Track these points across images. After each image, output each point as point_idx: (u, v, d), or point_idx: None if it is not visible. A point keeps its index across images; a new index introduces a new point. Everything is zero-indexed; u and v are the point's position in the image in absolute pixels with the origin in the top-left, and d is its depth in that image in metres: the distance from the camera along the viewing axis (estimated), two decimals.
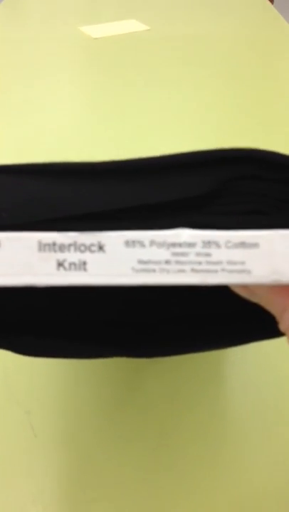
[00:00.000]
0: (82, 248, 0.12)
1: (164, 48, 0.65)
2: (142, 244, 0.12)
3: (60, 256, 0.12)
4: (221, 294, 0.14)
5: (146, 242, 0.12)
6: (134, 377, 0.25)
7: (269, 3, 0.84)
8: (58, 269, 0.12)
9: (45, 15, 0.80)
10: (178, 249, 0.12)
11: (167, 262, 0.12)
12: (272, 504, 0.20)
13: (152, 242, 0.12)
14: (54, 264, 0.12)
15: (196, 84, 0.56)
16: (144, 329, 0.15)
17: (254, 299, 0.13)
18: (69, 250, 0.12)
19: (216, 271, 0.12)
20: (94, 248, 0.12)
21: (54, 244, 0.12)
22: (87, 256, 0.12)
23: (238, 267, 0.11)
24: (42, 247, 0.12)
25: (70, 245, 0.12)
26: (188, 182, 0.13)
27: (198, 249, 0.12)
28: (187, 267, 0.12)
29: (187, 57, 0.63)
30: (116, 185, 0.13)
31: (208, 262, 0.12)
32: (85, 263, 0.12)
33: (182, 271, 0.12)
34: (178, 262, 0.12)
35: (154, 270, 0.12)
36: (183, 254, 0.12)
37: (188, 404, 0.24)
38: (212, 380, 0.25)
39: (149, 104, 0.52)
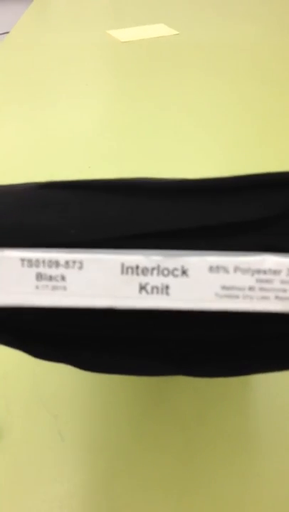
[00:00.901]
0: (166, 272, 0.12)
1: (192, 53, 0.65)
2: (226, 269, 0.12)
3: (143, 279, 0.12)
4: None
5: (231, 268, 0.12)
6: (163, 387, 0.25)
7: None
8: (140, 292, 0.12)
9: (73, 18, 0.80)
10: (262, 276, 0.12)
11: (251, 288, 0.12)
12: None
13: (236, 268, 0.12)
14: (136, 288, 0.12)
15: (226, 91, 0.55)
16: (206, 348, 0.15)
17: None
18: (152, 274, 0.12)
19: None
20: (177, 272, 0.12)
21: (137, 267, 0.12)
22: (170, 280, 0.12)
23: None
24: (125, 269, 0.12)
25: (153, 269, 0.12)
26: (263, 202, 0.13)
27: (283, 276, 0.12)
28: (271, 294, 0.12)
29: (216, 63, 0.62)
30: (195, 203, 0.13)
31: None
32: (167, 287, 0.12)
33: (266, 298, 0.12)
34: (262, 289, 0.12)
35: (237, 296, 0.12)
36: (267, 281, 0.12)
37: (215, 417, 0.23)
38: (240, 393, 0.24)
39: (176, 110, 0.52)
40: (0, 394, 0.24)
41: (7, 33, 0.73)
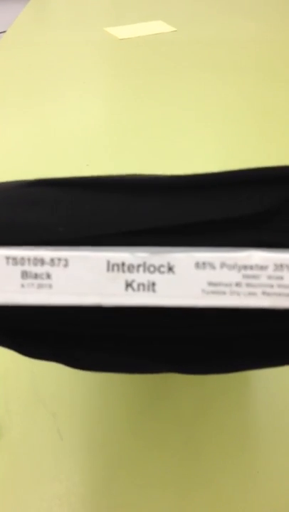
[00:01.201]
0: (152, 269, 0.12)
1: (190, 49, 0.65)
2: (212, 266, 0.11)
3: (129, 276, 0.12)
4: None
5: (217, 264, 0.11)
6: (163, 385, 0.25)
7: None
8: (126, 289, 0.12)
9: (70, 16, 0.80)
10: (249, 272, 0.11)
11: (238, 284, 0.11)
12: None
13: (223, 264, 0.11)
14: (122, 285, 0.12)
15: (224, 88, 0.55)
16: (195, 345, 0.15)
17: None
18: (138, 271, 0.12)
19: (287, 294, 0.11)
20: (163, 269, 0.12)
21: (123, 264, 0.12)
22: (156, 277, 0.12)
23: None
24: (110, 266, 0.12)
25: (139, 266, 0.12)
26: (251, 198, 0.13)
27: (270, 272, 0.11)
28: (258, 290, 0.11)
29: (215, 59, 0.62)
30: (181, 200, 0.13)
31: (280, 285, 0.11)
32: (154, 284, 0.12)
33: (253, 294, 0.11)
34: (249, 285, 0.11)
35: (224, 292, 0.11)
36: (254, 276, 0.11)
37: (215, 413, 0.23)
38: (240, 389, 0.24)
39: (174, 107, 0.51)
40: None
41: (4, 32, 0.73)
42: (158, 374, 0.25)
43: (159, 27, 0.73)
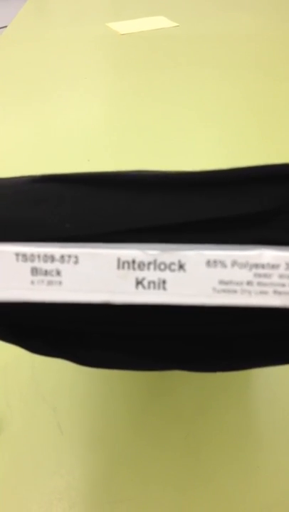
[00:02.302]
0: (162, 267, 0.11)
1: (192, 45, 0.65)
2: (223, 264, 0.11)
3: (139, 274, 0.11)
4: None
5: (228, 262, 0.11)
6: (164, 380, 0.25)
7: None
8: (136, 287, 0.11)
9: (72, 11, 0.79)
10: (260, 271, 0.11)
11: (249, 283, 0.11)
12: None
13: (234, 263, 0.11)
14: (133, 282, 0.11)
15: (226, 83, 0.55)
16: (204, 343, 0.15)
17: None
18: (148, 268, 0.11)
19: None
20: (174, 267, 0.11)
21: (133, 262, 0.11)
22: (167, 275, 0.11)
23: None
24: (121, 264, 0.11)
25: (149, 263, 0.11)
26: (261, 196, 0.13)
27: (282, 270, 0.11)
28: (269, 289, 0.11)
29: (216, 54, 0.62)
30: (191, 197, 0.13)
31: None
32: (164, 282, 0.11)
33: (264, 292, 0.11)
34: (260, 284, 0.11)
35: (235, 291, 0.11)
36: (266, 275, 0.11)
37: (216, 410, 0.23)
38: (241, 386, 0.24)
39: (176, 102, 0.51)
40: None
41: (5, 27, 0.73)
42: (161, 371, 0.25)
43: (160, 22, 0.73)
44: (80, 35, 0.69)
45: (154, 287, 0.11)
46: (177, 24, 0.72)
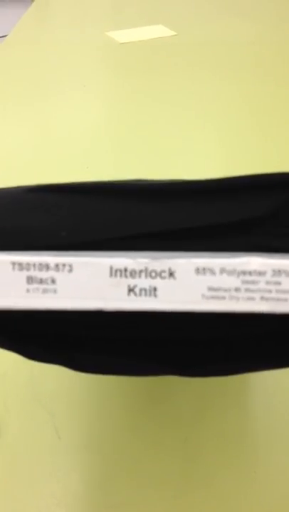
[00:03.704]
0: (153, 274, 0.12)
1: (191, 53, 0.65)
2: (212, 271, 0.12)
3: (131, 282, 0.12)
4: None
5: (217, 270, 0.12)
6: (161, 384, 0.25)
7: None
8: (128, 294, 0.12)
9: (71, 20, 0.80)
10: (248, 277, 0.12)
11: (237, 289, 0.12)
12: None
13: (223, 270, 0.12)
14: (125, 290, 0.12)
15: (225, 92, 0.55)
16: (195, 348, 0.15)
17: None
18: (140, 276, 0.12)
19: (285, 299, 0.12)
20: (164, 275, 0.12)
21: (125, 270, 0.12)
22: (157, 282, 0.12)
23: None
24: (113, 272, 0.12)
25: (141, 271, 0.12)
26: (250, 203, 0.13)
27: (268, 277, 0.12)
28: (257, 295, 0.12)
29: (215, 63, 0.63)
30: (181, 205, 0.13)
31: (278, 291, 0.12)
32: (155, 289, 0.12)
33: (252, 299, 0.12)
34: (247, 290, 0.12)
35: (223, 297, 0.12)
36: (253, 282, 0.12)
37: (214, 414, 0.24)
38: (239, 390, 0.25)
39: (176, 111, 0.52)
40: None
41: (5, 36, 0.74)
42: (157, 376, 0.25)
43: (159, 31, 0.73)
44: (79, 43, 0.70)
45: (146, 294, 0.12)
46: (176, 33, 0.73)
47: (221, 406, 0.24)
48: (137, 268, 0.12)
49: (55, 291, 0.12)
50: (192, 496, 0.21)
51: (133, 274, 0.12)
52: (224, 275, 0.12)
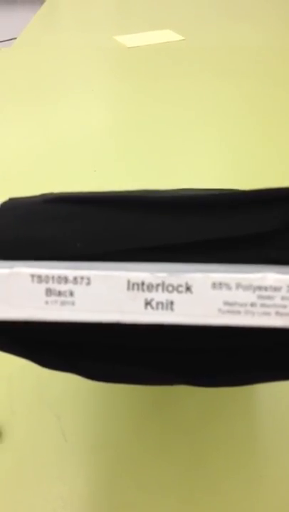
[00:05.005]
0: (170, 288, 0.12)
1: (198, 58, 0.65)
2: (228, 286, 0.12)
3: (148, 295, 0.12)
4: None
5: (233, 285, 0.12)
6: (167, 389, 0.25)
7: None
8: (145, 308, 0.12)
9: (79, 24, 0.81)
10: (264, 293, 0.12)
11: (253, 304, 0.12)
12: None
13: (238, 285, 0.12)
14: (142, 303, 0.12)
15: (233, 97, 0.56)
16: (208, 360, 0.15)
17: None
18: (157, 290, 0.12)
19: None
20: (181, 289, 0.12)
21: (143, 283, 0.12)
22: (174, 296, 0.12)
23: None
24: (131, 285, 0.12)
25: (158, 285, 0.12)
26: (264, 217, 0.13)
27: (284, 293, 0.12)
28: (272, 310, 0.12)
29: (223, 68, 0.63)
30: (196, 218, 0.13)
31: None
32: (172, 303, 0.12)
33: (267, 313, 0.12)
34: (263, 305, 0.12)
35: (239, 312, 0.12)
36: (268, 297, 0.12)
37: (220, 420, 0.24)
38: (245, 396, 0.25)
39: (182, 115, 0.52)
40: (4, 394, 0.25)
41: (14, 38, 0.74)
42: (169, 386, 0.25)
43: (167, 36, 0.74)
44: (87, 48, 0.70)
45: (162, 308, 0.12)
46: (183, 38, 0.73)
47: (226, 411, 0.24)
48: (154, 282, 0.12)
49: (73, 303, 0.12)
50: (197, 500, 0.21)
51: (150, 287, 0.12)
52: (240, 290, 0.12)
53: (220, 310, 0.12)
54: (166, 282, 0.12)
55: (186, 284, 0.12)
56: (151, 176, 0.43)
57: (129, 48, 0.70)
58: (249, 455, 0.22)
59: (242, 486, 0.21)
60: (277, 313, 0.12)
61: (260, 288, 0.12)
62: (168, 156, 0.45)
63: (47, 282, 0.12)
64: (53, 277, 0.12)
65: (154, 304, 0.12)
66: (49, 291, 0.12)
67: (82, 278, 0.12)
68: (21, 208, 0.15)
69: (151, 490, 0.21)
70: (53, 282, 0.12)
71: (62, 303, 0.12)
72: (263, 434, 0.23)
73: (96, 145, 0.47)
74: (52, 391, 0.25)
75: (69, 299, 0.12)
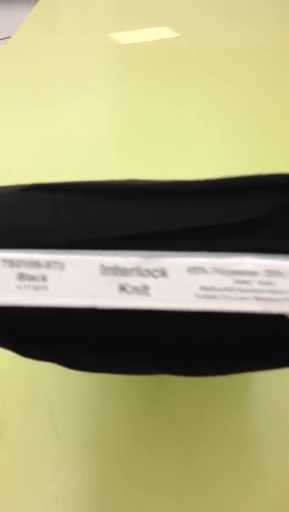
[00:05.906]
0: (145, 273, 0.12)
1: (195, 55, 0.65)
2: (204, 271, 0.12)
3: (123, 280, 0.12)
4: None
5: (209, 269, 0.12)
6: (161, 385, 0.25)
7: None
8: (120, 292, 0.12)
9: (75, 21, 0.81)
10: (241, 277, 0.12)
11: (230, 289, 0.12)
12: None
13: (215, 270, 0.12)
14: (116, 288, 0.12)
15: (228, 94, 0.55)
16: (187, 348, 0.15)
17: None
18: (132, 275, 0.12)
19: (278, 300, 0.12)
20: (157, 274, 0.12)
21: (117, 268, 0.12)
22: (149, 281, 0.12)
23: None
24: (104, 270, 0.12)
25: (132, 270, 0.12)
26: (244, 205, 0.13)
27: (261, 277, 0.12)
28: (249, 295, 0.12)
29: (219, 65, 0.63)
30: (174, 206, 0.13)
31: (271, 291, 0.12)
32: (147, 288, 0.12)
33: (244, 298, 0.12)
34: (240, 290, 0.12)
35: (216, 297, 0.12)
36: (246, 282, 0.12)
37: (213, 415, 0.24)
38: (239, 391, 0.25)
39: (179, 113, 0.52)
40: None
41: (9, 37, 0.74)
42: (154, 375, 0.25)
43: (163, 33, 0.73)
44: (83, 45, 0.70)
45: (138, 293, 0.12)
46: (179, 35, 0.73)
47: (221, 406, 0.24)
48: (129, 266, 0.12)
49: (46, 288, 0.12)
50: (191, 496, 0.21)
51: (124, 272, 0.12)
52: (217, 275, 0.12)
53: (196, 295, 0.12)
54: (141, 267, 0.12)
55: (162, 268, 0.12)
56: (148, 174, 0.43)
57: (125, 45, 0.70)
58: (243, 451, 0.22)
59: (236, 482, 0.21)
60: (255, 298, 0.12)
61: (237, 273, 0.12)
62: (165, 153, 0.45)
63: (19, 267, 0.12)
64: (25, 262, 0.12)
65: (128, 288, 0.12)
66: (21, 276, 0.12)
67: (55, 263, 0.12)
68: None
69: (145, 486, 0.21)
70: (25, 267, 0.12)
71: (36, 287, 0.12)
72: (256, 430, 0.23)
73: (93, 143, 0.47)
74: (44, 388, 0.25)
75: (42, 283, 0.12)
